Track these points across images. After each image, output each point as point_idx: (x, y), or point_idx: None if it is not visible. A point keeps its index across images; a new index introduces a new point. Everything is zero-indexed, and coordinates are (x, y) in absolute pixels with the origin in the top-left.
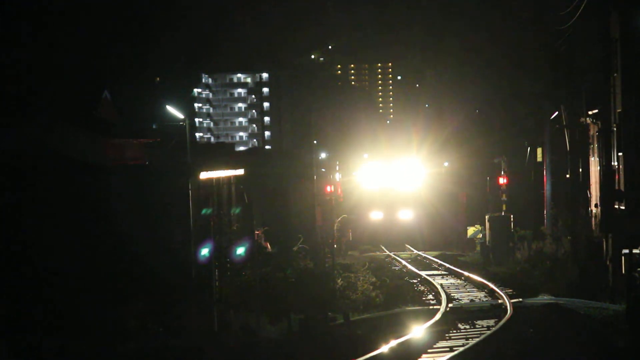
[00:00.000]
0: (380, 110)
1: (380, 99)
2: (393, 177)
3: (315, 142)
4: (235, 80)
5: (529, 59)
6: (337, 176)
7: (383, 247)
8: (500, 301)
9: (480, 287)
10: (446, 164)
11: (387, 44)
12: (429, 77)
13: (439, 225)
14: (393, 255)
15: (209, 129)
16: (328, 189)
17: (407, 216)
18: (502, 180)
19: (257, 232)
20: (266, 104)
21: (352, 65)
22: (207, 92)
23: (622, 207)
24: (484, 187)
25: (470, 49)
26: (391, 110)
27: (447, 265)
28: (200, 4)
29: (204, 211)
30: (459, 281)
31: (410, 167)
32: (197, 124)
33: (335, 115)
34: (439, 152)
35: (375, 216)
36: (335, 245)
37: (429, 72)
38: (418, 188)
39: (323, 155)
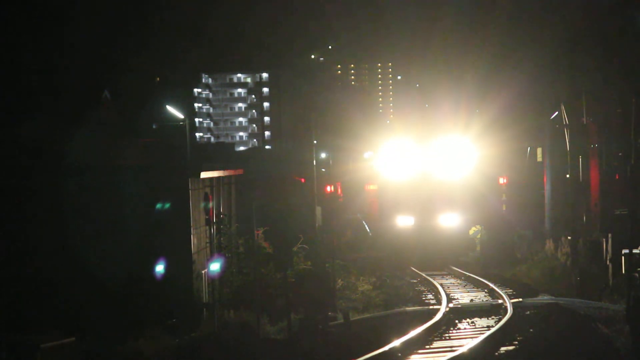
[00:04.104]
0: (380, 110)
1: (380, 99)
2: (429, 162)
3: (315, 141)
4: (235, 80)
5: (529, 59)
6: (337, 176)
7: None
8: (500, 301)
9: (480, 286)
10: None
11: (388, 44)
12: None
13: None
14: None
15: (209, 129)
16: (328, 188)
17: (453, 221)
18: (502, 180)
19: (257, 232)
20: (266, 104)
21: (352, 65)
22: (207, 92)
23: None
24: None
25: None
26: (391, 111)
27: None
28: (201, 4)
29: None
30: (459, 281)
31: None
32: (197, 124)
33: (334, 114)
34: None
35: (404, 222)
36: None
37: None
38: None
39: (323, 155)
